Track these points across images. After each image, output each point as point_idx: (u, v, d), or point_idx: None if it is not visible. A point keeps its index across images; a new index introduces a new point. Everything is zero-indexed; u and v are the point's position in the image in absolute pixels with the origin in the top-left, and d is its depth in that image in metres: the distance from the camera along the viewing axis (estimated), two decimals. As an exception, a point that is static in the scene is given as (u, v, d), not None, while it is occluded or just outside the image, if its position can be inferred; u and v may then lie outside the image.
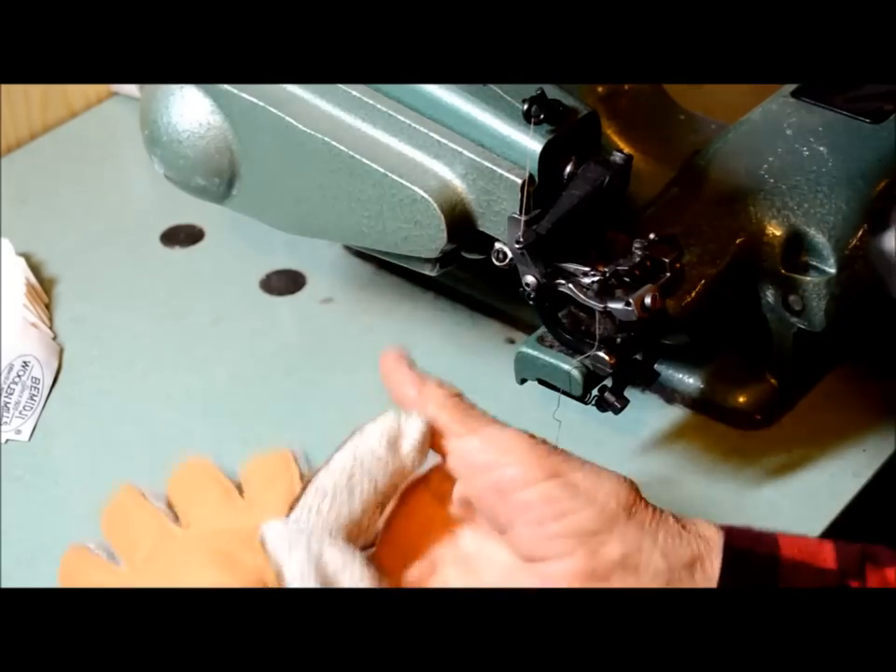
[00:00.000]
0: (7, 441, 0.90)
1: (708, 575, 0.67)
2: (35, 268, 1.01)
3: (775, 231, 0.84)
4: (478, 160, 0.78)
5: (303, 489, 0.70)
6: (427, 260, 0.82)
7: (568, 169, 0.77)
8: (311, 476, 0.71)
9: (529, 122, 0.75)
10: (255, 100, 0.83)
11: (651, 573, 0.67)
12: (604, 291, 0.75)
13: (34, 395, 0.92)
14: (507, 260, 0.79)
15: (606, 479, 0.68)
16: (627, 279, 0.76)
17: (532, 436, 0.69)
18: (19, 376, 0.92)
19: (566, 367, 0.79)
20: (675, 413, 0.90)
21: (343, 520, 0.70)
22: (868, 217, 0.84)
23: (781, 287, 0.84)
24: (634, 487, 0.68)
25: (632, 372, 0.81)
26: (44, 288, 1.00)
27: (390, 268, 0.99)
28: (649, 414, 0.90)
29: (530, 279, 0.77)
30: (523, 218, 0.76)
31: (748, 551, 0.67)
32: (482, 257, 0.81)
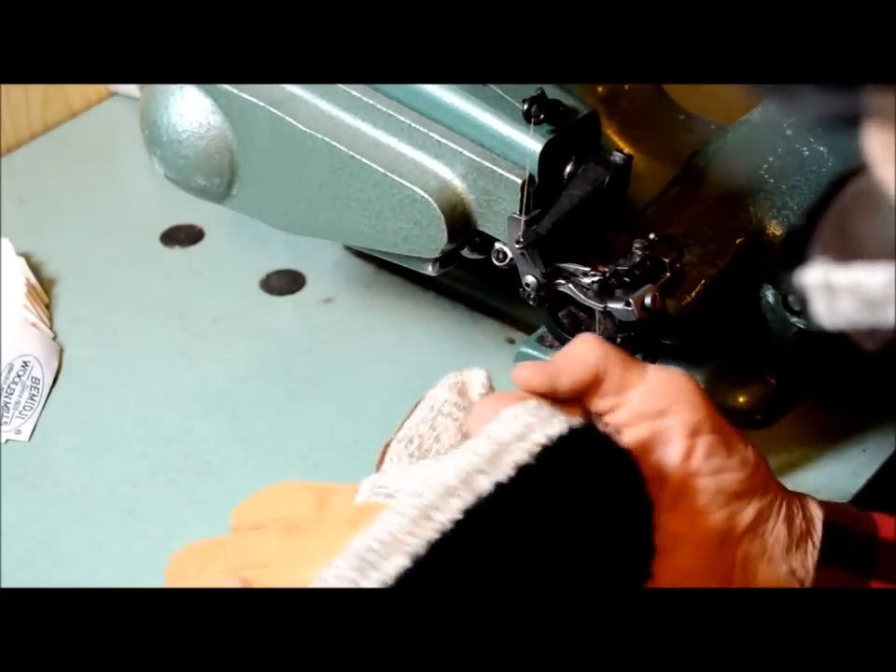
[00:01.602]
0: (7, 440, 0.90)
1: (810, 553, 0.69)
2: (35, 268, 1.01)
3: (775, 230, 0.84)
4: (478, 160, 0.78)
5: (388, 444, 0.70)
6: (427, 260, 0.82)
7: (568, 169, 0.77)
8: (391, 438, 0.71)
9: (529, 122, 0.75)
10: (255, 100, 0.83)
11: (774, 539, 0.69)
12: (604, 291, 0.76)
13: (34, 395, 0.92)
14: (507, 260, 0.79)
15: (753, 448, 0.70)
16: (627, 279, 0.76)
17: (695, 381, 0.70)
18: (19, 376, 0.92)
19: (566, 367, 0.79)
20: (675, 413, 0.90)
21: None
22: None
23: (781, 286, 0.84)
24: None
25: (632, 372, 0.81)
26: (44, 288, 1.00)
27: (391, 268, 0.99)
28: (649, 414, 0.90)
29: (530, 279, 0.77)
30: (523, 218, 0.76)
31: (847, 529, 0.69)
32: (482, 257, 0.81)
